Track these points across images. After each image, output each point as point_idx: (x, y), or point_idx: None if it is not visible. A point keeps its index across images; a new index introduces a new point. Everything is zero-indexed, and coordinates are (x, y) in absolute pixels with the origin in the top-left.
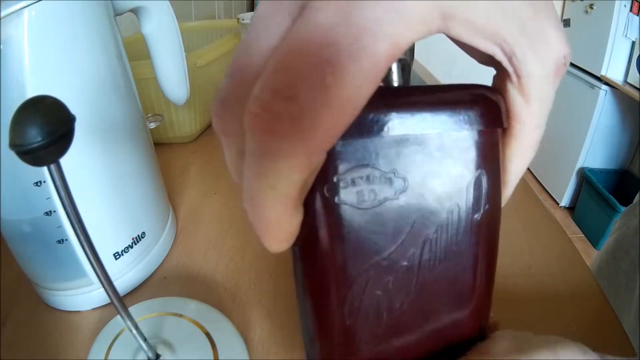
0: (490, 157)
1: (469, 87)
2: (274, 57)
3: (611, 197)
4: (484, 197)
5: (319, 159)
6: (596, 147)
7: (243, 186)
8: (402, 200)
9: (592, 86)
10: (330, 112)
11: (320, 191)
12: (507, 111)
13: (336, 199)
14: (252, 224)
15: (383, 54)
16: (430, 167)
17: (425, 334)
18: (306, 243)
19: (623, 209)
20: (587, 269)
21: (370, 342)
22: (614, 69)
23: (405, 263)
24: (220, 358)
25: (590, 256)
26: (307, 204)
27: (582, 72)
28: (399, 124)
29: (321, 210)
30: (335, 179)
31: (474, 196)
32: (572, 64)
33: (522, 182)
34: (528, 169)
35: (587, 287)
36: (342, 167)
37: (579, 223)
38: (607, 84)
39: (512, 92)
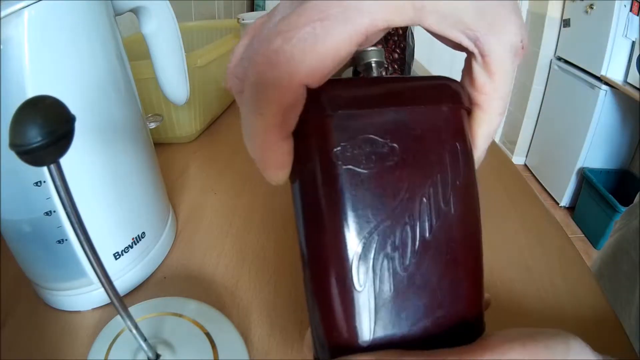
0: (458, 129)
1: (433, 77)
2: (282, 17)
3: (611, 197)
4: (462, 164)
5: (300, 91)
6: (596, 147)
7: (242, 123)
8: (398, 164)
9: (592, 86)
10: (314, 56)
11: (329, 156)
12: (474, 85)
13: (343, 163)
14: (252, 156)
15: (362, 25)
16: (414, 137)
17: (427, 307)
18: (316, 208)
19: (623, 209)
20: (587, 269)
21: (378, 307)
22: (614, 69)
23: (407, 224)
24: (220, 358)
25: (590, 256)
26: (318, 170)
27: (582, 72)
28: (388, 99)
29: (330, 174)
30: (342, 145)
31: (453, 164)
32: (572, 64)
33: (522, 182)
34: (528, 169)
35: (587, 287)
36: (347, 135)
37: (579, 223)
38: (607, 84)
39: (477, 68)
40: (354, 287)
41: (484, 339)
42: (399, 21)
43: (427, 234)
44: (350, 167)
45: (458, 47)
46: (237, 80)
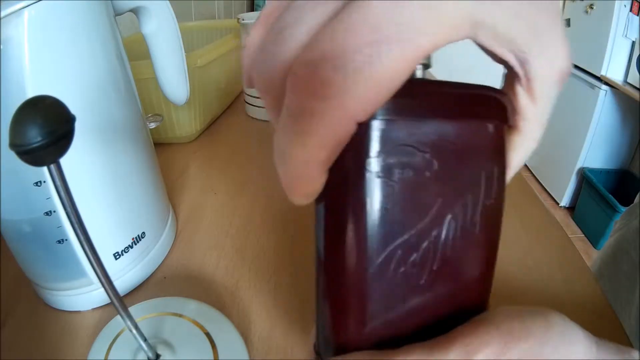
0: (500, 149)
1: (481, 87)
2: (325, 30)
3: (611, 197)
4: (495, 186)
5: (351, 126)
6: (596, 147)
7: (276, 143)
8: (433, 180)
9: (592, 86)
10: (370, 86)
11: (362, 165)
12: (515, 108)
13: (377, 174)
14: (281, 178)
15: (422, 47)
16: (455, 152)
17: (437, 312)
18: (341, 216)
19: (623, 209)
20: (587, 269)
21: (388, 322)
22: (614, 69)
23: (430, 242)
24: (220, 358)
25: (590, 256)
26: (349, 177)
27: (582, 72)
28: (434, 109)
29: (360, 183)
30: (378, 154)
31: (487, 184)
32: (572, 64)
33: (522, 182)
34: (528, 169)
35: (587, 287)
36: (383, 144)
37: (579, 223)
38: (607, 84)
39: (521, 92)
40: (369, 298)
41: (456, 330)
42: (455, 39)
43: (448, 255)
44: (382, 177)
45: (500, 61)
46: (259, 79)
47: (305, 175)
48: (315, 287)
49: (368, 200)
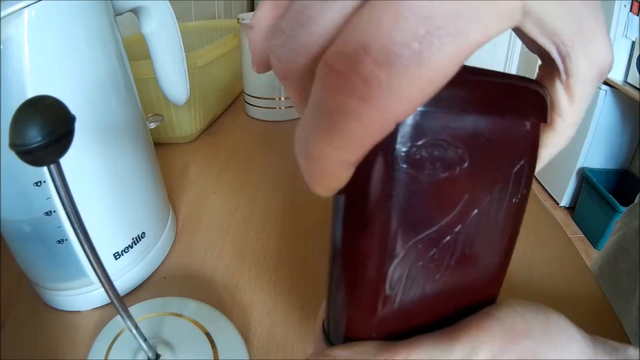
0: (533, 148)
1: (522, 78)
2: (366, 17)
3: (611, 197)
4: (523, 183)
5: (391, 128)
6: (596, 147)
7: (299, 136)
8: (462, 176)
9: None
10: (417, 85)
11: (392, 158)
12: (552, 105)
13: (407, 168)
14: (305, 174)
15: (474, 39)
16: (488, 149)
17: (448, 303)
18: (363, 210)
19: (623, 209)
20: (587, 269)
21: (400, 312)
22: (614, 69)
23: (452, 237)
24: (220, 358)
25: (590, 256)
26: (376, 170)
27: None
28: (473, 103)
29: (387, 175)
30: (409, 148)
31: (516, 182)
32: None
33: None
34: None
35: (587, 287)
36: (415, 135)
37: (579, 223)
38: (607, 84)
39: (559, 88)
40: (384, 291)
41: (461, 322)
42: (507, 27)
43: (468, 250)
44: (411, 171)
45: (535, 49)
46: (277, 62)
47: (334, 173)
48: (329, 275)
49: (394, 195)
